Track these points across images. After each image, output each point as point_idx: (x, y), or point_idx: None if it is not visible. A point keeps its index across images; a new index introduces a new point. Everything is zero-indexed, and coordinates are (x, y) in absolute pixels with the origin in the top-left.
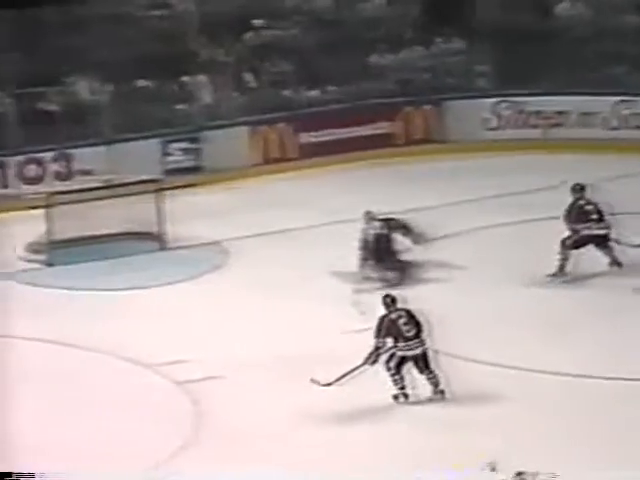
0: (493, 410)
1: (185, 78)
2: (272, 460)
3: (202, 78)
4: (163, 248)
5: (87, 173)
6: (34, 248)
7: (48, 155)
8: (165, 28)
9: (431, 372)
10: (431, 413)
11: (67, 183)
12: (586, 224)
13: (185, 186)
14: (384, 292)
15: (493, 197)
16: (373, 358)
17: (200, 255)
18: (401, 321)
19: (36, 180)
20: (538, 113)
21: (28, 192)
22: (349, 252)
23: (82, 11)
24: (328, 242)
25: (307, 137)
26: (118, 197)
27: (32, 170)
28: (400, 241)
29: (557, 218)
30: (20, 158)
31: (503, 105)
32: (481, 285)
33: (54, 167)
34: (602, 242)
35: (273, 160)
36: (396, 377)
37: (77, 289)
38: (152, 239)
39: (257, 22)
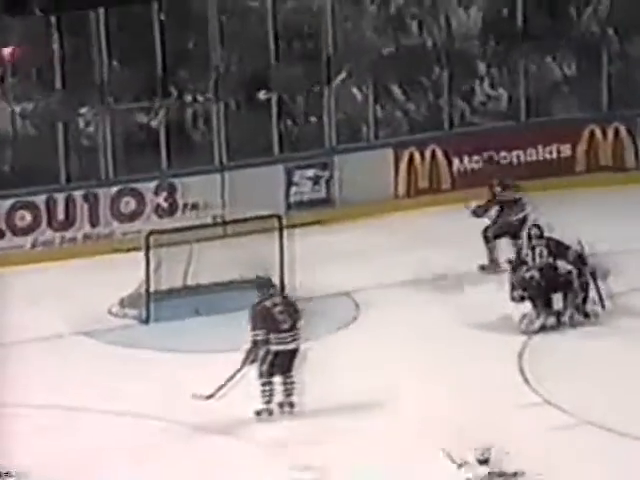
0: None
1: (315, 88)
2: None
3: (337, 88)
4: None
5: (195, 207)
6: (129, 301)
7: (148, 185)
8: (293, 25)
9: (290, 377)
10: None
11: (171, 220)
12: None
13: (313, 223)
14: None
15: None
16: (252, 356)
17: (328, 309)
18: (277, 310)
19: (133, 216)
20: None
21: (123, 231)
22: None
23: (195, 6)
24: (488, 291)
25: (464, 162)
26: (232, 237)
27: (128, 204)
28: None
29: None
30: (114, 189)
31: None
32: None
33: (155, 200)
34: (519, 230)
35: (421, 191)
36: (266, 387)
37: (179, 351)
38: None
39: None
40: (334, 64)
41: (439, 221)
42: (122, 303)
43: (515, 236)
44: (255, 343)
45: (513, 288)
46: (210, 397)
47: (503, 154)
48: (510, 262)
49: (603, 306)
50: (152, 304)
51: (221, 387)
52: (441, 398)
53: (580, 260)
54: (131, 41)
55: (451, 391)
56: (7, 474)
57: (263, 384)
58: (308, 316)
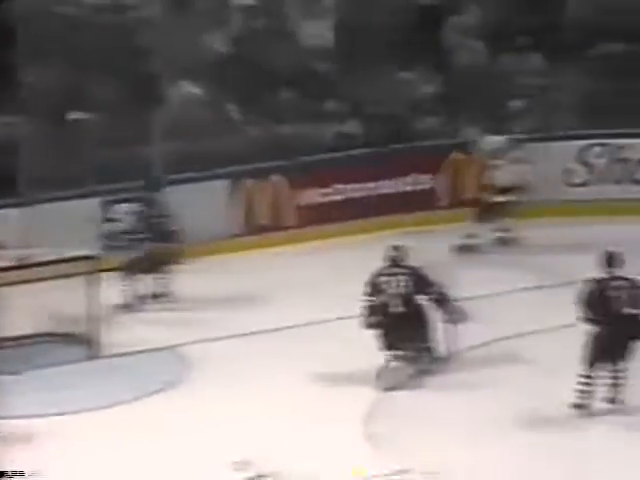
0: None
1: (141, 109)
2: None
3: (167, 110)
4: (95, 356)
5: None
6: None
7: None
8: (115, 36)
9: None
10: None
11: None
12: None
13: None
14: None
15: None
16: None
17: (148, 366)
18: None
19: None
20: None
21: None
22: (360, 360)
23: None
24: (337, 340)
25: (311, 196)
26: (36, 282)
27: None
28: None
29: None
30: None
31: (595, 150)
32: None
33: None
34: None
35: (261, 229)
36: None
37: None
38: (81, 342)
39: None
40: (163, 82)
41: (278, 265)
42: None
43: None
44: None
45: (371, 313)
46: None
47: (353, 186)
48: (155, 296)
49: (450, 355)
50: None
51: None
52: (272, 467)
53: (442, 301)
54: None
55: (283, 460)
56: None
57: None
58: (127, 375)
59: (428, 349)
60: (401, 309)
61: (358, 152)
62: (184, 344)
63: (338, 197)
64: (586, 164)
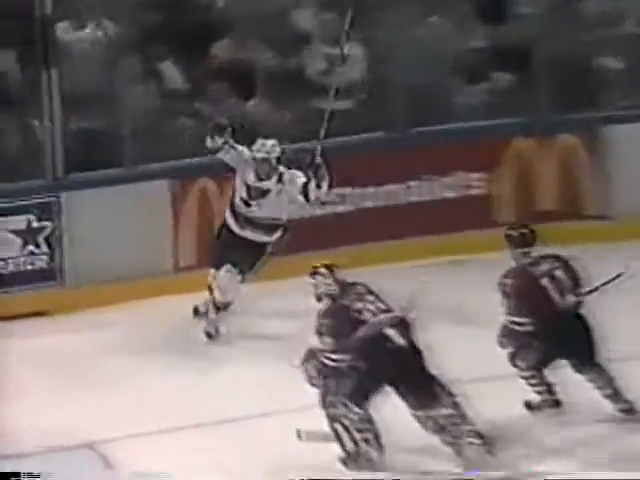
0: None
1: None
2: None
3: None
4: None
5: None
6: None
7: None
8: None
9: None
10: None
11: None
12: None
13: (27, 315)
14: None
15: None
16: None
17: (56, 469)
18: None
19: None
20: None
21: None
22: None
23: None
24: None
25: None
26: None
27: None
28: None
29: None
30: None
31: None
32: None
33: None
34: None
35: None
36: None
37: None
38: None
39: None
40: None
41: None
42: None
43: None
44: None
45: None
46: None
47: (363, 191)
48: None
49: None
50: None
51: None
52: None
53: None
54: None
55: None
56: None
57: None
58: None
59: (462, 415)
60: (402, 341)
61: (369, 136)
62: (107, 440)
63: (340, 209)
64: None
